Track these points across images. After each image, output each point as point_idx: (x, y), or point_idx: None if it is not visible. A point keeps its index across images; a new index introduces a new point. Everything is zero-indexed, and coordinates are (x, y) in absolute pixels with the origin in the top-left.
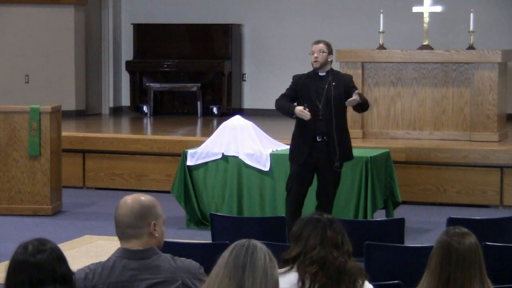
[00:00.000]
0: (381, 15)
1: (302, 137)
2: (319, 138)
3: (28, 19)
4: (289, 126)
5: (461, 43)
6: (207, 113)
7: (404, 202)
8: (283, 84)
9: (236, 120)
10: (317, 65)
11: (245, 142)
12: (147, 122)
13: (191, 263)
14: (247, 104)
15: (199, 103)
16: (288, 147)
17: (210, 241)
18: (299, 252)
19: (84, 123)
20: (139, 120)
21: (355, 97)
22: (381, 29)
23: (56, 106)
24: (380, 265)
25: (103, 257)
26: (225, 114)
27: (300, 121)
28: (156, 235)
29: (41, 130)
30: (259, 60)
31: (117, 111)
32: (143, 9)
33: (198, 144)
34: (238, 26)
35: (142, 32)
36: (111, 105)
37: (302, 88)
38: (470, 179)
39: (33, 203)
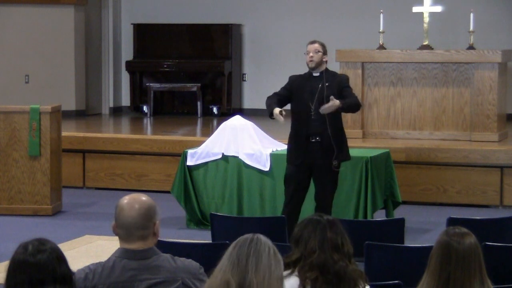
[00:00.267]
0: (381, 15)
1: (295, 138)
2: (312, 139)
3: (28, 19)
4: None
5: (461, 43)
6: (207, 113)
7: (404, 202)
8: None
9: (236, 120)
10: (312, 64)
11: (245, 142)
12: (147, 122)
13: (191, 263)
14: (247, 104)
15: (199, 103)
16: None
17: (210, 241)
18: (299, 256)
19: (84, 123)
20: (139, 120)
21: (330, 103)
22: (381, 29)
23: (56, 106)
24: (380, 265)
25: (103, 257)
26: (225, 114)
27: (294, 122)
28: (158, 234)
29: (41, 130)
30: (259, 60)
31: (117, 111)
32: (143, 9)
33: (198, 144)
34: (238, 26)
35: (142, 32)
36: (111, 105)
37: (297, 89)
38: (470, 179)
39: (33, 203)
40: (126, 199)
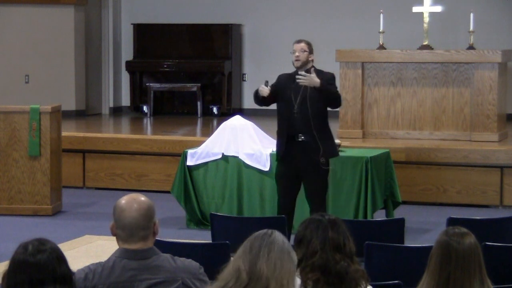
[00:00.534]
0: (381, 15)
1: (279, 133)
2: (297, 138)
3: (28, 19)
4: None
5: (461, 43)
6: (207, 113)
7: (404, 202)
8: None
9: (236, 120)
10: (298, 63)
11: (245, 142)
12: (147, 122)
13: (191, 263)
14: (247, 104)
15: (199, 103)
16: None
17: (210, 241)
18: (301, 256)
19: (84, 123)
20: (139, 120)
21: (311, 75)
22: (381, 29)
23: (56, 106)
24: (380, 265)
25: (103, 257)
26: (225, 114)
27: (279, 121)
28: (157, 233)
29: (41, 130)
30: (259, 60)
31: (117, 111)
32: (143, 9)
33: (198, 144)
34: (238, 26)
35: (142, 32)
36: (111, 105)
37: (282, 88)
38: (470, 179)
39: (33, 203)
40: (124, 199)
